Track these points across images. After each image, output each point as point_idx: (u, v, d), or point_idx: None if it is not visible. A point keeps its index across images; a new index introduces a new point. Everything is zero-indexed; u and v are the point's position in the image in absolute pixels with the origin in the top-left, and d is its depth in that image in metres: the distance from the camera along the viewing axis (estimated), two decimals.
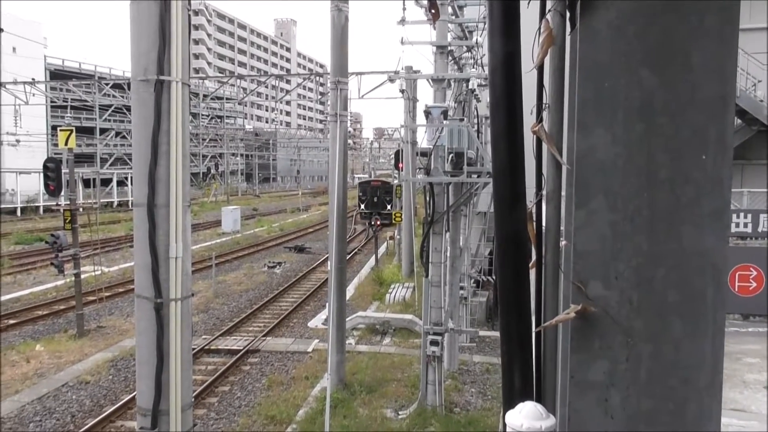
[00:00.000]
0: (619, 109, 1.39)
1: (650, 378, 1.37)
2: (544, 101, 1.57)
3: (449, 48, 12.76)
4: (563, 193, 1.56)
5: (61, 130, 15.58)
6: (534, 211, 1.59)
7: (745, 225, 12.22)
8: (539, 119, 1.54)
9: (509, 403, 1.46)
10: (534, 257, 1.62)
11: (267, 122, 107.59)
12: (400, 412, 11.03)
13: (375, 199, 39.92)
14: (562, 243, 1.51)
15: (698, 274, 1.39)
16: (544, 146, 1.55)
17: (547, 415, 1.34)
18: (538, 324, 1.58)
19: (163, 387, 5.37)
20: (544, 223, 1.59)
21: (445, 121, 10.65)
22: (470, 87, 12.21)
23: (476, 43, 13.16)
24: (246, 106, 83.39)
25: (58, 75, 48.55)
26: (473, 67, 14.41)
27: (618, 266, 1.39)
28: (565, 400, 1.45)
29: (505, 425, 1.37)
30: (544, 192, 1.59)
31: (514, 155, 1.49)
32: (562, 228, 1.56)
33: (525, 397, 1.46)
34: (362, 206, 39.99)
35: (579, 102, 1.42)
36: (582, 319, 1.40)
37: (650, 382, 1.37)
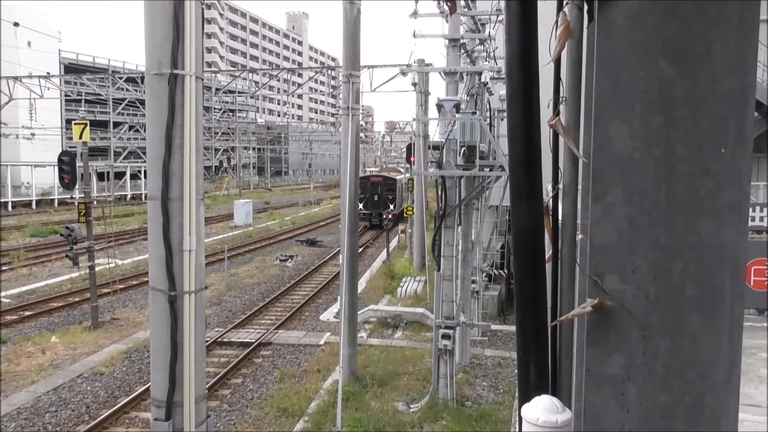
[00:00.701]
0: (637, 101, 1.38)
1: (667, 372, 1.36)
2: (561, 94, 1.56)
3: (462, 41, 12.69)
4: (579, 186, 1.55)
5: (75, 124, 15.72)
6: (550, 204, 1.58)
7: (761, 219, 12.07)
8: (556, 112, 1.53)
9: (525, 397, 1.46)
10: (550, 251, 1.61)
11: (279, 116, 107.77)
12: (411, 406, 11.07)
13: (376, 198, 36.82)
14: (578, 237, 1.50)
15: (716, 267, 1.38)
16: (561, 139, 1.54)
17: (563, 409, 1.34)
18: (553, 318, 1.57)
19: (177, 378, 5.42)
20: (560, 217, 1.58)
21: (457, 115, 10.61)
22: (483, 80, 12.12)
23: (489, 35, 13.06)
24: (258, 99, 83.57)
25: (72, 69, 48.97)
26: (486, 60, 14.31)
27: (635, 260, 1.38)
28: (580, 394, 1.45)
29: (520, 418, 1.37)
30: (560, 185, 1.58)
31: (530, 148, 1.48)
32: (578, 221, 1.55)
33: (541, 390, 1.46)
34: (360, 206, 35.75)
35: (596, 95, 1.41)
36: (598, 313, 1.40)
37: (667, 376, 1.36)
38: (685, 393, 1.37)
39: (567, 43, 1.52)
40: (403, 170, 49.97)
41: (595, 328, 1.41)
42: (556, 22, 1.50)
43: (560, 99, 1.56)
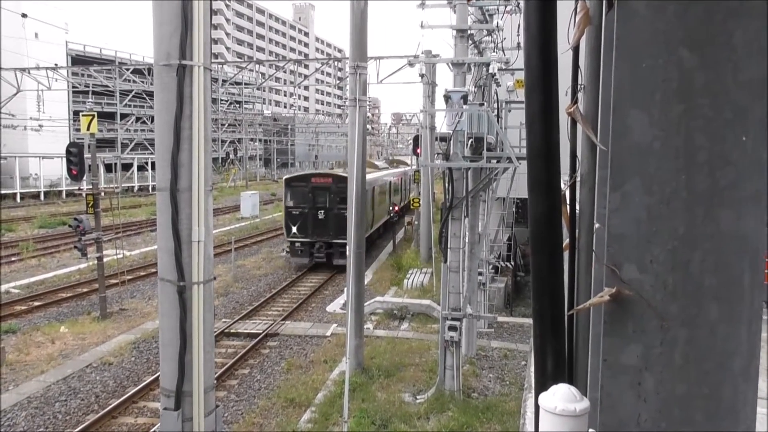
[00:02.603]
0: (657, 90, 1.37)
1: (685, 362, 1.36)
2: (580, 82, 1.55)
3: (469, 32, 12.61)
4: (597, 175, 1.54)
5: (83, 115, 15.77)
6: (568, 193, 1.57)
7: None
8: (574, 100, 1.52)
9: (542, 386, 1.46)
10: (567, 240, 1.60)
11: (285, 107, 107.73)
12: (418, 397, 11.10)
13: (320, 214, 21.46)
14: (595, 226, 1.49)
15: (736, 258, 1.37)
16: (579, 128, 1.53)
17: (581, 398, 1.34)
18: (570, 307, 1.57)
19: (186, 368, 5.46)
20: (577, 206, 1.57)
21: (464, 106, 10.56)
22: (490, 71, 12.07)
23: (497, 26, 12.98)
24: (264, 91, 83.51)
25: (79, 60, 49.03)
26: (494, 51, 14.23)
27: (653, 249, 1.38)
28: (596, 383, 1.45)
29: (537, 407, 1.37)
30: (578, 174, 1.57)
31: (549, 137, 1.47)
32: (596, 211, 1.54)
33: (557, 379, 1.46)
34: (294, 228, 21.58)
35: (615, 83, 1.40)
36: (615, 302, 1.39)
37: (685, 366, 1.36)
38: (703, 383, 1.37)
39: (586, 31, 1.51)
40: (381, 162, 42.61)
41: (612, 317, 1.41)
42: (575, 8, 1.49)
43: (579, 87, 1.55)
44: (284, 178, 23.67)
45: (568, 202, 1.58)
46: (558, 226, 1.52)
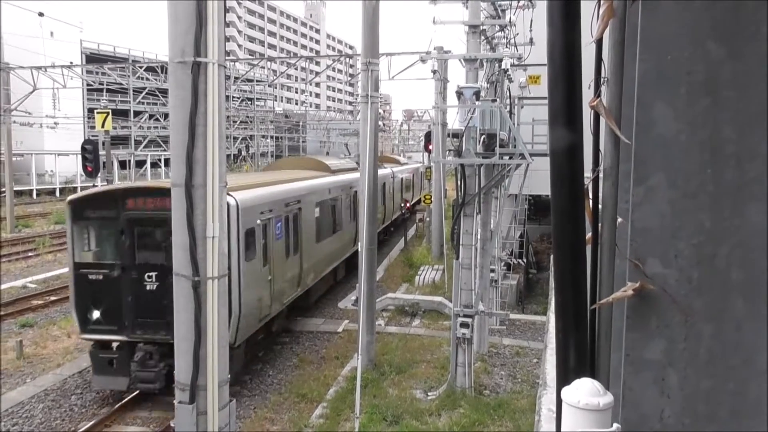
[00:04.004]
0: (682, 82, 1.35)
1: (710, 358, 1.35)
2: (603, 75, 1.53)
3: (482, 27, 12.55)
4: (620, 169, 1.53)
5: (97, 113, 15.94)
6: (590, 187, 1.56)
7: None
8: (597, 94, 1.50)
9: (564, 380, 1.45)
10: (590, 234, 1.59)
11: (297, 104, 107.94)
12: (429, 393, 11.10)
13: (150, 281, 10.13)
14: (618, 220, 1.48)
15: (763, 252, 1.35)
16: (602, 121, 1.52)
17: (604, 392, 1.33)
18: (593, 301, 1.56)
19: (200, 363, 5.50)
20: (600, 200, 1.56)
21: (477, 102, 10.51)
22: (503, 67, 12.00)
23: (509, 21, 12.91)
24: (276, 88, 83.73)
25: (93, 59, 49.44)
26: (506, 47, 14.15)
27: (678, 244, 1.36)
28: (618, 378, 1.44)
29: (560, 401, 1.36)
30: (601, 168, 1.56)
31: (572, 130, 1.46)
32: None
33: (580, 374, 1.45)
34: (95, 313, 10.28)
35: (639, 75, 1.39)
36: (639, 297, 1.38)
37: (710, 362, 1.35)
38: (728, 379, 1.36)
39: (609, 23, 1.49)
40: (347, 157, 27.46)
41: (635, 312, 1.40)
42: (599, 1, 1.47)
43: (602, 80, 1.54)
44: (68, 199, 11.12)
45: (590, 196, 1.57)
46: (580, 220, 1.51)
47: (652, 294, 1.38)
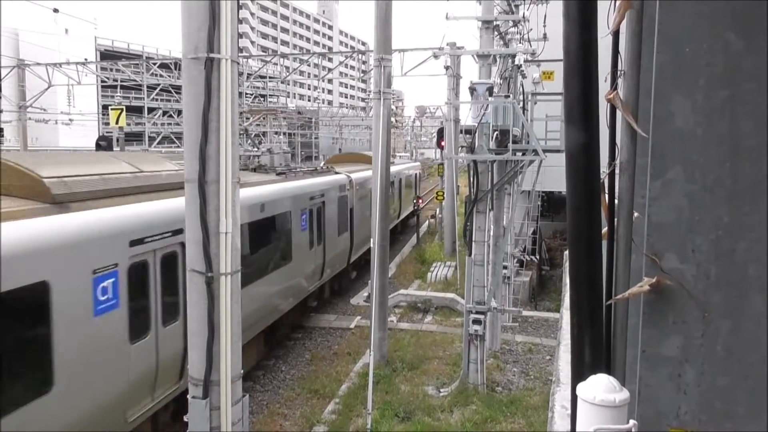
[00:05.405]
0: (701, 75, 1.33)
1: (728, 354, 1.33)
2: (620, 68, 1.51)
3: (495, 23, 12.47)
4: (636, 163, 1.51)
5: (112, 109, 16.08)
6: (606, 181, 1.54)
7: None
8: (614, 86, 1.48)
9: (579, 376, 1.44)
10: (605, 228, 1.57)
11: (309, 100, 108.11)
12: (441, 390, 11.10)
13: None
14: (634, 215, 1.46)
15: None
16: (618, 114, 1.50)
17: (620, 388, 1.31)
18: (608, 297, 1.54)
19: (213, 358, 5.53)
20: (616, 194, 1.54)
21: (490, 98, 10.46)
22: (516, 63, 11.93)
23: (523, 17, 12.81)
24: (289, 84, 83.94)
25: (107, 55, 49.87)
26: (520, 43, 14.05)
27: (695, 239, 1.34)
28: (634, 374, 1.42)
29: (575, 397, 1.35)
30: (617, 162, 1.54)
31: (588, 124, 1.44)
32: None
33: (595, 370, 1.44)
34: None
35: (657, 68, 1.36)
36: (655, 292, 1.37)
37: (727, 358, 1.33)
38: (746, 376, 1.33)
39: (626, 15, 1.47)
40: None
41: (651, 308, 1.38)
42: None
43: (618, 73, 1.52)
44: None
45: (606, 190, 1.55)
46: (596, 214, 1.49)
47: (669, 289, 1.36)
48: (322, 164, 18.37)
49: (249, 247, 10.52)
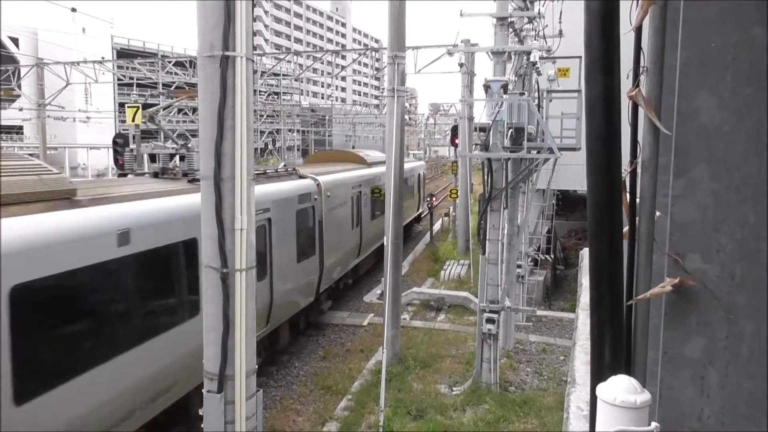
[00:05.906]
0: (727, 70, 1.30)
1: (752, 356, 1.30)
2: (642, 64, 1.48)
3: (510, 19, 12.37)
4: (658, 161, 1.48)
5: (128, 107, 16.19)
6: (628, 179, 1.51)
7: None
8: (636, 83, 1.46)
9: (598, 376, 1.42)
10: (627, 227, 1.55)
11: (323, 98, 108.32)
12: (454, 388, 11.07)
13: None
14: (657, 214, 1.43)
15: None
16: (641, 111, 1.47)
17: (641, 390, 1.29)
18: (629, 297, 1.51)
19: (228, 353, 5.57)
20: (638, 193, 1.52)
21: (504, 96, 10.39)
22: (531, 60, 11.84)
23: (538, 13, 12.70)
24: (302, 82, 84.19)
25: (124, 54, 50.33)
26: (535, 39, 13.94)
27: (720, 238, 1.32)
28: (655, 376, 1.40)
29: (594, 397, 1.33)
30: (639, 159, 1.51)
31: (610, 121, 1.41)
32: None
33: (615, 370, 1.41)
34: None
35: (681, 64, 1.34)
36: (678, 293, 1.34)
37: (752, 360, 1.30)
38: None
39: (650, 10, 1.44)
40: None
41: (673, 308, 1.35)
42: None
43: (641, 69, 1.49)
44: None
45: (628, 188, 1.52)
46: (618, 212, 1.47)
47: (692, 290, 1.34)
48: (282, 165, 14.49)
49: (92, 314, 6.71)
